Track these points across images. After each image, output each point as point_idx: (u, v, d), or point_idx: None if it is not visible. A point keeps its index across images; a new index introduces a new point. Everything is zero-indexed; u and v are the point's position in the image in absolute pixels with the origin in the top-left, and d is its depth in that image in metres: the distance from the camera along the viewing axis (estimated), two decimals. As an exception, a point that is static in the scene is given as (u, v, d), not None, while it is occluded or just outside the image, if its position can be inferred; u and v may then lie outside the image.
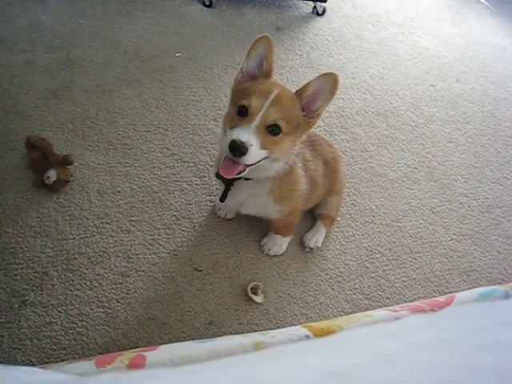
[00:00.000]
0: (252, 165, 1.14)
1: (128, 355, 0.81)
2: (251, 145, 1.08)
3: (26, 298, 1.32)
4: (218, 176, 1.33)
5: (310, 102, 1.17)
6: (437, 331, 0.47)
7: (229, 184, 1.30)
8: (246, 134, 1.08)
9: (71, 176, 1.58)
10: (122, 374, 0.37)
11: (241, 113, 1.13)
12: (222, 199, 1.34)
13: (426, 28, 2.87)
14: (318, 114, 1.20)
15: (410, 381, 0.40)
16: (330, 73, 1.14)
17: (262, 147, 1.11)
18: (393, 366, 0.42)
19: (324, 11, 2.69)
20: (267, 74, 1.19)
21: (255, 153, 1.10)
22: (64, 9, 2.23)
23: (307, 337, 0.88)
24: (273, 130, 1.12)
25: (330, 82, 1.14)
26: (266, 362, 0.43)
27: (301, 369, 0.41)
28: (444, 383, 0.40)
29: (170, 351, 0.83)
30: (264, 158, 1.15)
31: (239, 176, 1.17)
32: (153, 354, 0.83)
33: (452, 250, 1.73)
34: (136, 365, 0.76)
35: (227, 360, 0.44)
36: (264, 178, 1.27)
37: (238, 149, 1.07)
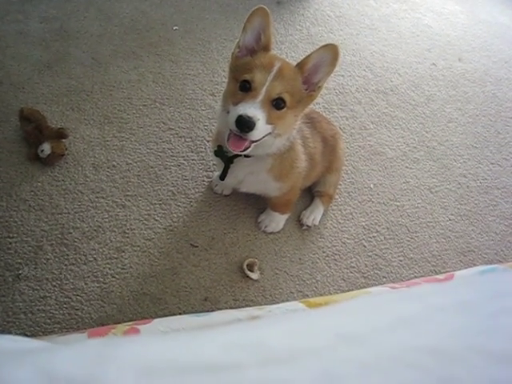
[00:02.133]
0: (257, 141, 1.12)
1: (121, 328, 0.81)
2: (258, 119, 1.06)
3: (20, 271, 1.31)
4: (216, 154, 1.31)
5: (311, 74, 1.15)
6: (458, 295, 0.45)
7: (228, 162, 1.28)
8: (253, 109, 1.06)
9: (66, 150, 1.56)
10: (107, 339, 0.35)
11: (244, 88, 1.10)
12: (222, 177, 1.32)
13: (429, 5, 2.81)
14: (320, 87, 1.17)
15: (437, 346, 0.38)
16: (331, 44, 1.11)
17: (268, 122, 1.09)
18: (416, 329, 0.39)
19: (325, -14, 2.63)
20: (266, 48, 1.16)
21: (262, 128, 1.08)
22: (58, -22, 2.17)
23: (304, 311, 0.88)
24: (277, 103, 1.10)
25: (330, 53, 1.11)
26: (266, 327, 0.41)
27: (307, 332, 0.38)
28: (474, 348, 0.37)
29: (164, 324, 0.83)
30: (267, 134, 1.13)
31: (245, 152, 1.14)
32: (146, 327, 0.82)
33: (450, 231, 1.72)
34: (129, 337, 0.76)
35: (222, 327, 0.42)
36: (265, 155, 1.25)
37: (245, 124, 1.05)
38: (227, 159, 1.28)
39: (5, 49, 1.81)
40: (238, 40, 1.19)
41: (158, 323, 0.86)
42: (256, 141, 1.12)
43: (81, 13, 2.04)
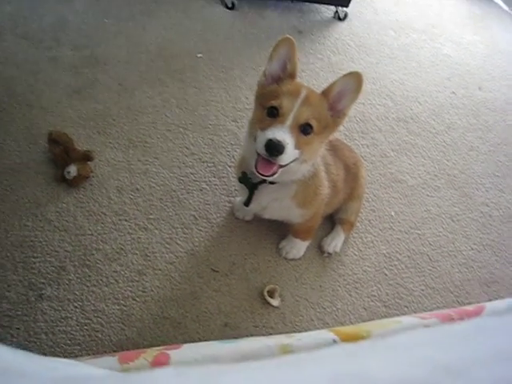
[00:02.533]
0: (285, 166, 1.13)
1: (151, 353, 0.80)
2: (287, 143, 1.07)
3: (43, 291, 1.33)
4: (241, 180, 1.32)
5: (335, 101, 1.17)
6: None
7: (253, 188, 1.29)
8: (282, 133, 1.07)
9: (91, 172, 1.59)
10: (183, 369, 0.35)
11: (271, 114, 1.12)
12: (247, 204, 1.33)
13: (448, 35, 2.84)
14: (344, 114, 1.19)
15: None
16: (355, 72, 1.13)
17: (296, 147, 1.10)
18: None
19: (346, 16, 2.68)
20: (292, 75, 1.18)
21: (291, 152, 1.09)
22: (90, 8, 2.26)
23: (334, 341, 0.87)
24: (305, 129, 1.11)
25: (354, 80, 1.13)
26: (365, 357, 0.40)
27: (407, 363, 0.38)
28: None
29: (194, 350, 0.82)
30: (294, 160, 1.14)
31: (272, 177, 1.15)
32: (176, 353, 0.82)
33: (472, 260, 1.69)
34: (160, 363, 0.76)
35: (311, 358, 0.41)
36: (289, 182, 1.26)
37: (274, 148, 1.06)
38: (252, 185, 1.29)
39: (37, 74, 1.88)
40: (264, 69, 1.22)
41: (188, 349, 0.85)
42: (284, 166, 1.13)
43: (110, 41, 2.11)
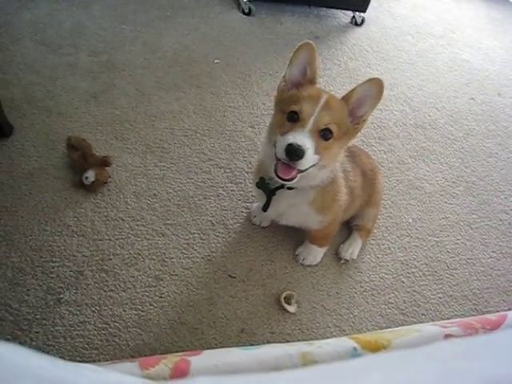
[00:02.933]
0: (304, 170, 1.13)
1: (172, 359, 0.80)
2: (308, 148, 1.06)
3: (62, 296, 1.34)
4: (258, 186, 1.32)
5: (355, 107, 1.16)
6: None
7: (271, 194, 1.29)
8: (302, 137, 1.07)
9: (109, 177, 1.60)
10: (218, 379, 0.35)
11: (292, 119, 1.12)
12: (265, 209, 1.33)
13: (467, 40, 2.82)
14: (364, 120, 1.18)
15: None
16: (375, 78, 1.12)
17: (316, 152, 1.10)
18: None
19: (363, 21, 2.67)
20: (312, 81, 1.18)
21: (311, 157, 1.09)
22: (107, 14, 2.28)
23: (354, 349, 0.86)
24: (325, 134, 1.11)
25: (375, 86, 1.12)
26: (411, 367, 0.40)
27: (455, 378, 0.37)
28: None
29: (214, 357, 0.82)
30: (313, 165, 1.13)
31: (291, 182, 1.15)
32: (197, 359, 0.82)
33: (491, 268, 1.67)
34: (180, 369, 0.76)
35: (355, 369, 0.41)
36: (308, 187, 1.26)
37: (295, 152, 1.05)
38: (270, 191, 1.29)
39: (55, 80, 1.90)
40: (283, 74, 1.22)
41: (208, 355, 0.85)
42: (303, 171, 1.13)
43: (127, 47, 2.13)
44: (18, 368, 0.40)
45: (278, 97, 1.23)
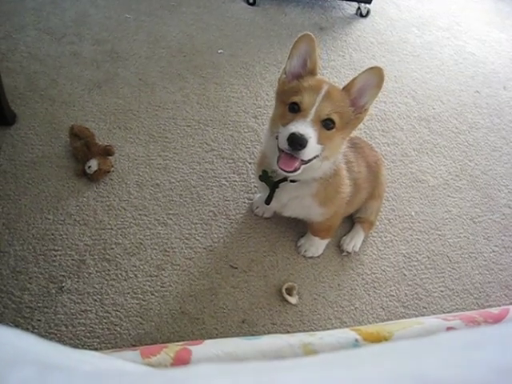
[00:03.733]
0: (307, 162, 1.12)
1: (173, 348, 0.81)
2: (310, 137, 1.06)
3: (63, 284, 1.34)
4: (261, 178, 1.32)
5: (357, 97, 1.16)
6: None
7: (274, 186, 1.29)
8: (304, 127, 1.06)
9: (112, 166, 1.60)
10: (221, 366, 0.35)
11: (293, 110, 1.12)
12: (268, 202, 1.33)
13: (473, 32, 2.79)
14: (366, 109, 1.18)
15: None
16: (376, 67, 1.12)
17: (318, 142, 1.10)
18: None
19: (368, 13, 2.65)
20: (312, 72, 1.18)
21: (313, 147, 1.09)
22: (111, 3, 2.27)
23: (356, 340, 0.86)
24: (327, 124, 1.10)
25: (376, 75, 1.12)
26: (420, 356, 0.39)
27: (465, 365, 0.37)
28: None
29: (216, 347, 0.82)
30: (316, 156, 1.13)
31: (294, 173, 1.15)
32: (198, 349, 0.82)
33: (493, 263, 1.66)
34: (182, 358, 0.76)
35: (367, 357, 0.41)
36: (311, 180, 1.25)
37: (297, 141, 1.05)
38: (273, 184, 1.28)
39: (59, 69, 1.90)
40: (284, 66, 1.21)
41: (210, 345, 0.85)
42: (306, 162, 1.12)
43: (131, 36, 2.12)
44: (22, 353, 0.40)
45: (279, 89, 1.22)
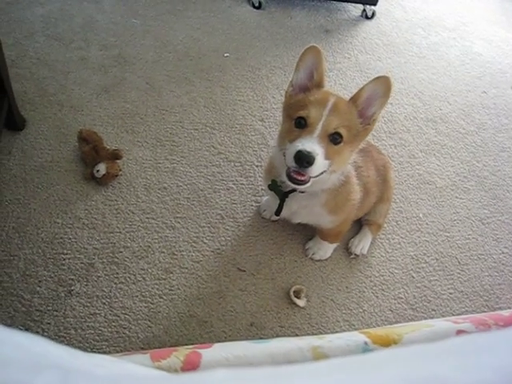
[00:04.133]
0: (316, 176, 1.12)
1: (183, 351, 0.81)
2: (317, 154, 1.05)
3: (72, 287, 1.35)
4: (270, 188, 1.32)
5: (365, 108, 1.15)
6: None
7: (284, 197, 1.29)
8: (311, 144, 1.05)
9: (120, 170, 1.61)
10: (233, 370, 0.35)
11: (299, 124, 1.11)
12: (278, 213, 1.33)
13: (480, 33, 2.78)
14: (374, 120, 1.17)
15: None
16: (383, 76, 1.11)
17: (326, 157, 1.08)
18: None
19: (373, 15, 2.65)
20: (319, 85, 1.17)
21: (321, 163, 1.07)
22: (118, 8, 2.29)
23: (365, 343, 0.86)
24: (334, 138, 1.09)
25: (383, 85, 1.11)
26: (433, 359, 0.40)
27: (479, 368, 0.37)
28: None
29: (225, 350, 0.83)
30: (324, 171, 1.12)
31: (303, 187, 1.14)
32: (208, 352, 0.82)
33: (503, 264, 1.65)
34: (192, 361, 0.76)
35: (380, 361, 0.41)
36: (319, 191, 1.25)
37: (304, 159, 1.04)
38: (282, 194, 1.28)
39: (67, 74, 1.91)
40: (291, 79, 1.21)
41: (219, 348, 0.86)
42: (315, 176, 1.11)
43: (138, 40, 2.14)
44: (38, 357, 0.41)
45: (286, 102, 1.22)
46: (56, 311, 1.30)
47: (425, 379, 0.36)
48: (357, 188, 1.33)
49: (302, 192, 1.25)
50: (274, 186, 1.30)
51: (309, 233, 1.55)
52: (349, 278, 1.50)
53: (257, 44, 2.27)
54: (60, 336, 1.26)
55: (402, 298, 1.50)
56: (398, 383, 0.35)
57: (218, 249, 1.50)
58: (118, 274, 1.40)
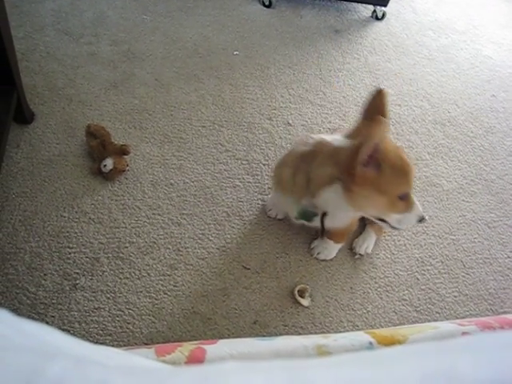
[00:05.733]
0: None
1: (188, 347, 0.81)
2: None
3: (77, 281, 1.36)
4: (301, 217, 1.37)
5: None
6: None
7: (323, 217, 1.32)
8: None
9: (127, 166, 1.61)
10: (246, 364, 0.35)
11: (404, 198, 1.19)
12: (323, 234, 1.42)
13: (490, 36, 2.76)
14: None
15: None
16: None
17: None
18: None
19: (384, 16, 2.64)
20: None
21: None
22: (128, 4, 2.29)
23: (370, 343, 0.86)
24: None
25: None
26: (453, 354, 0.40)
27: (498, 364, 0.37)
28: None
29: (230, 346, 0.83)
30: None
31: None
32: (213, 348, 0.82)
33: (508, 268, 1.65)
34: (196, 357, 0.76)
35: (395, 355, 0.41)
36: None
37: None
38: (322, 215, 1.32)
39: (76, 69, 1.92)
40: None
41: (224, 345, 0.86)
42: None
43: (147, 36, 2.14)
44: (49, 345, 0.41)
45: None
46: (60, 304, 1.31)
47: (442, 373, 0.36)
48: None
49: None
50: (304, 214, 1.34)
51: (314, 232, 1.55)
52: (353, 278, 1.50)
53: (266, 42, 2.27)
54: (64, 329, 1.27)
55: (406, 300, 1.49)
56: (416, 376, 0.35)
57: (224, 246, 1.50)
58: (122, 269, 1.40)
